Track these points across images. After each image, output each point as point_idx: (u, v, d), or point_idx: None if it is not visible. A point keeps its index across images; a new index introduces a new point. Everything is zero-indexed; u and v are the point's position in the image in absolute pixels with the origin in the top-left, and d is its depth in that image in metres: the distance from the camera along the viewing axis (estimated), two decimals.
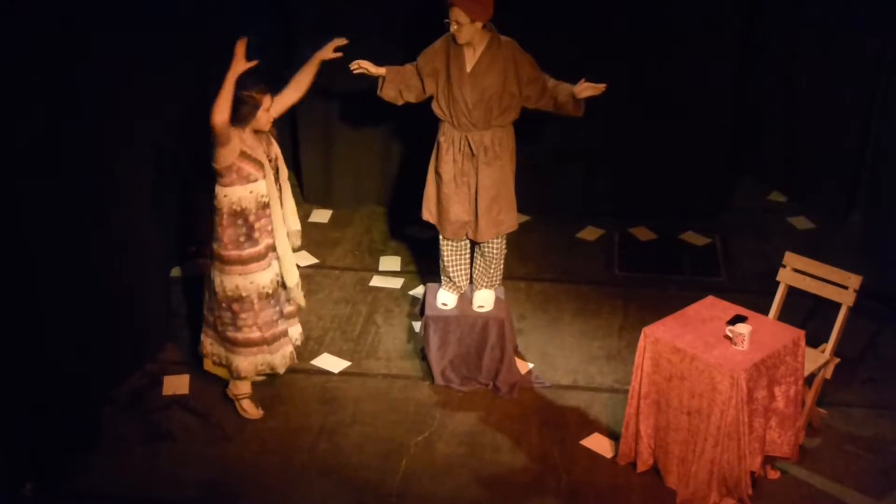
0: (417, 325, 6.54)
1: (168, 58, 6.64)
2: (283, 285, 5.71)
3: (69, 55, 5.32)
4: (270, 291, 5.62)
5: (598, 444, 5.72)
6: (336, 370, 6.27)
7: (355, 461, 5.61)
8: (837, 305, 5.61)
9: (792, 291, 5.84)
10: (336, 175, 7.88)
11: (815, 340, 5.62)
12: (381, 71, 5.79)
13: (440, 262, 6.22)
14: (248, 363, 5.71)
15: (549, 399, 6.09)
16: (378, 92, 5.87)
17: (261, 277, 5.57)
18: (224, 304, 5.61)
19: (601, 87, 5.68)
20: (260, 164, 5.47)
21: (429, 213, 6.06)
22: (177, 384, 6.12)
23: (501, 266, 6.22)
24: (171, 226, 6.98)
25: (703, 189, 7.80)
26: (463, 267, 6.20)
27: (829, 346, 5.64)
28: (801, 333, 5.32)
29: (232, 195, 5.45)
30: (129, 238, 6.02)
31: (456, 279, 6.21)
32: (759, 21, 7.80)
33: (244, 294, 5.57)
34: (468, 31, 5.57)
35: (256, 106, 5.42)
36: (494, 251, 6.12)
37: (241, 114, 5.39)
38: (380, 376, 6.25)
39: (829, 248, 7.18)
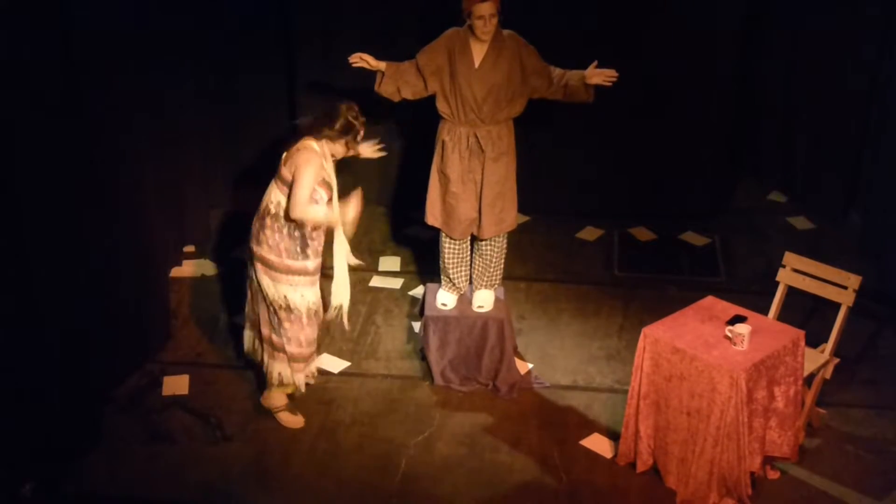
0: (417, 326, 6.54)
1: (169, 57, 6.65)
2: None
3: (69, 54, 5.32)
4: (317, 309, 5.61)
5: (597, 444, 5.72)
6: (336, 370, 6.27)
7: (355, 461, 5.62)
8: (837, 305, 5.61)
9: (792, 291, 5.84)
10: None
11: (814, 340, 5.62)
12: (381, 66, 5.79)
13: (440, 262, 6.22)
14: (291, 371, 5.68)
15: (548, 399, 6.09)
16: (376, 87, 5.87)
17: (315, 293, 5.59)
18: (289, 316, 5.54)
19: (612, 73, 5.71)
20: (330, 187, 5.44)
21: (433, 218, 6.05)
22: (177, 384, 6.12)
23: (501, 266, 6.22)
24: (172, 226, 6.98)
25: (703, 189, 7.80)
26: (463, 267, 6.20)
27: (829, 346, 5.65)
28: (801, 333, 5.32)
29: None
30: (129, 238, 6.02)
31: (456, 280, 6.21)
32: (760, 21, 7.80)
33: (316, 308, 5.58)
34: (493, 24, 5.61)
35: (358, 134, 5.41)
36: (495, 250, 6.13)
37: (340, 129, 5.34)
38: (379, 376, 6.25)
39: (828, 248, 7.19)
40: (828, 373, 5.66)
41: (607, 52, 6.16)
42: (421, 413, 5.96)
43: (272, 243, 5.40)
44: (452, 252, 6.15)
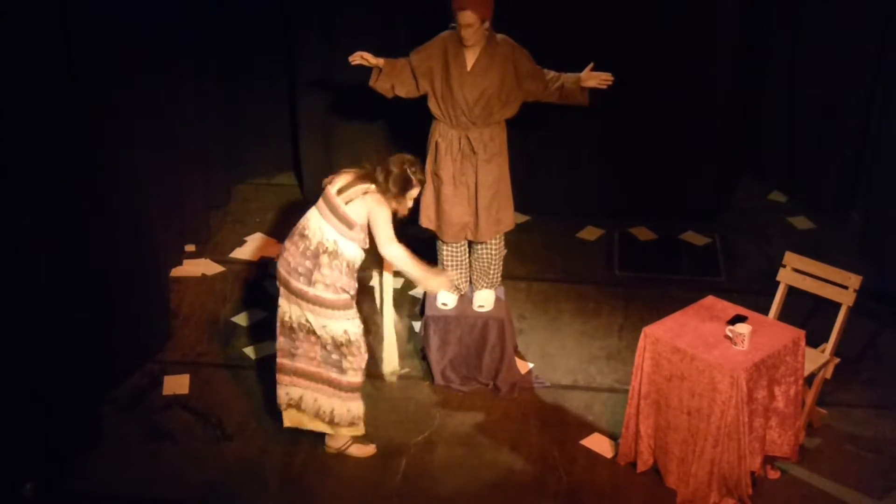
0: (417, 325, 6.54)
1: (169, 57, 6.64)
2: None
3: (71, 55, 5.32)
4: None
5: (598, 444, 5.72)
6: None
7: (355, 461, 5.61)
8: (837, 305, 5.60)
9: (792, 291, 5.84)
10: None
11: (815, 340, 5.62)
12: (379, 62, 5.79)
13: (439, 264, 6.22)
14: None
15: (549, 399, 6.09)
16: (371, 82, 5.86)
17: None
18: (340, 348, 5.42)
19: (607, 76, 5.70)
20: None
21: (427, 220, 6.05)
22: (177, 384, 6.12)
23: (500, 267, 6.22)
24: (172, 226, 6.98)
25: (704, 189, 7.80)
26: (462, 269, 6.20)
27: (829, 346, 5.64)
28: (801, 333, 5.32)
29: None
30: (129, 238, 6.02)
31: (456, 281, 6.21)
32: (760, 21, 7.80)
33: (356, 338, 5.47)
34: (478, 31, 5.59)
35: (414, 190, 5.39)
36: (492, 253, 6.12)
37: (402, 189, 5.31)
38: (380, 376, 6.24)
39: (829, 248, 7.18)
40: (828, 373, 5.66)
41: (607, 52, 6.17)
42: (421, 413, 5.96)
43: (329, 281, 5.27)
44: (450, 254, 6.15)
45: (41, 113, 5.14)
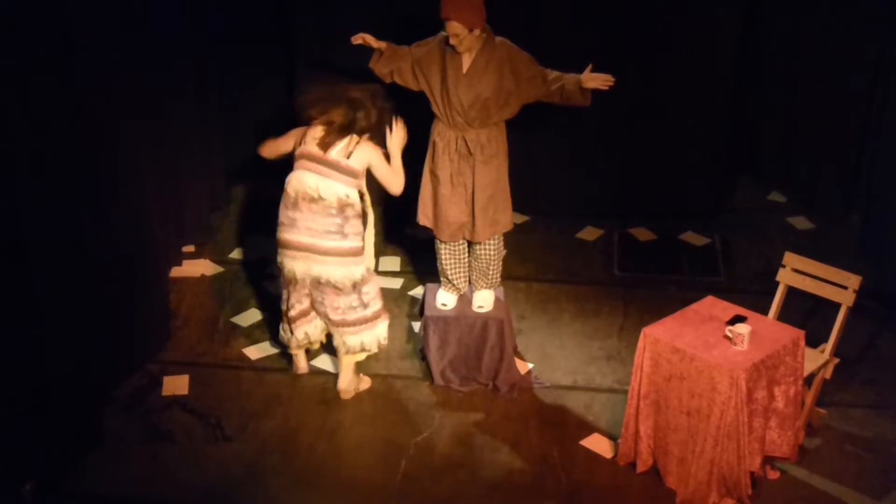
0: (417, 326, 6.54)
1: (169, 56, 6.65)
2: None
3: (71, 55, 5.32)
4: None
5: (597, 444, 5.72)
6: (336, 370, 6.27)
7: (355, 461, 5.62)
8: (837, 305, 5.61)
9: (792, 291, 5.84)
10: None
11: (814, 340, 5.62)
12: (381, 45, 5.82)
13: (438, 264, 6.22)
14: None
15: (548, 399, 6.09)
16: (371, 64, 5.87)
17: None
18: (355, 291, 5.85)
19: (608, 78, 5.69)
20: None
21: (425, 218, 6.06)
22: (177, 384, 6.13)
23: (499, 267, 6.22)
24: (172, 226, 6.98)
25: (703, 189, 7.80)
26: (461, 269, 6.20)
27: (829, 346, 5.65)
28: (801, 333, 5.33)
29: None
30: (129, 238, 6.02)
31: (454, 281, 6.21)
32: (759, 21, 7.80)
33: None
34: (468, 40, 5.59)
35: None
36: (490, 252, 6.12)
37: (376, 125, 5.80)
38: (380, 376, 6.25)
39: (828, 248, 7.18)
40: (828, 373, 5.66)
41: (607, 51, 6.17)
42: (421, 413, 5.97)
43: (357, 231, 5.75)
44: (449, 253, 6.15)
45: (41, 113, 5.14)
